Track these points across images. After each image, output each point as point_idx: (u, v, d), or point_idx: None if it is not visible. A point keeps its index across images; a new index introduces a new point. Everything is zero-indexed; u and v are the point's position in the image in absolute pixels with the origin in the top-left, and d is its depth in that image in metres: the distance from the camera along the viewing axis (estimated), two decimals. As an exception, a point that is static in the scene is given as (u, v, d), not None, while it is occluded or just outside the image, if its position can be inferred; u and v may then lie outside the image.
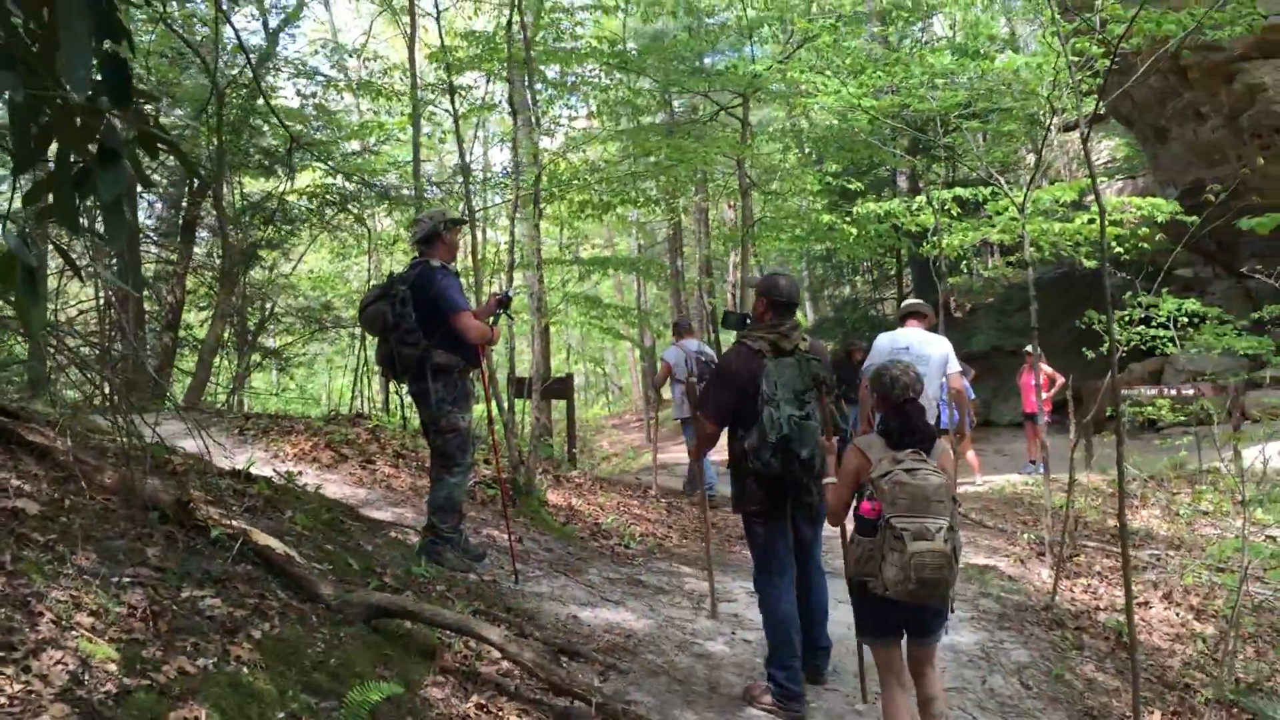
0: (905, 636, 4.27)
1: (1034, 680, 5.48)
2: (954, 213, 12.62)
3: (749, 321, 5.33)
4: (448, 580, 5.53)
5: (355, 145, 19.28)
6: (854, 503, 4.33)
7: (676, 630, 5.78)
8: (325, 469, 7.59)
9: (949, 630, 6.25)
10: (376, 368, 6.47)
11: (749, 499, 4.99)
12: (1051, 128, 12.07)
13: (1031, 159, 28.75)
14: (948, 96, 10.72)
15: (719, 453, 5.95)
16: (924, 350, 7.57)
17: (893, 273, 27.08)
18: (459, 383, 6.01)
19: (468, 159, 12.02)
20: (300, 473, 6.81)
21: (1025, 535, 9.37)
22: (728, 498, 10.48)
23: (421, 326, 5.88)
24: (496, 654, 4.59)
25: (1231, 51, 17.29)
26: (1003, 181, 9.16)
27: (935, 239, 11.75)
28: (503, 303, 6.30)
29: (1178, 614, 8.08)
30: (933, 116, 12.29)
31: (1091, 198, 17.77)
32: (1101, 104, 14.95)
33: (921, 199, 12.55)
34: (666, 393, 12.42)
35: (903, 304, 8.35)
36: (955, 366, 7.81)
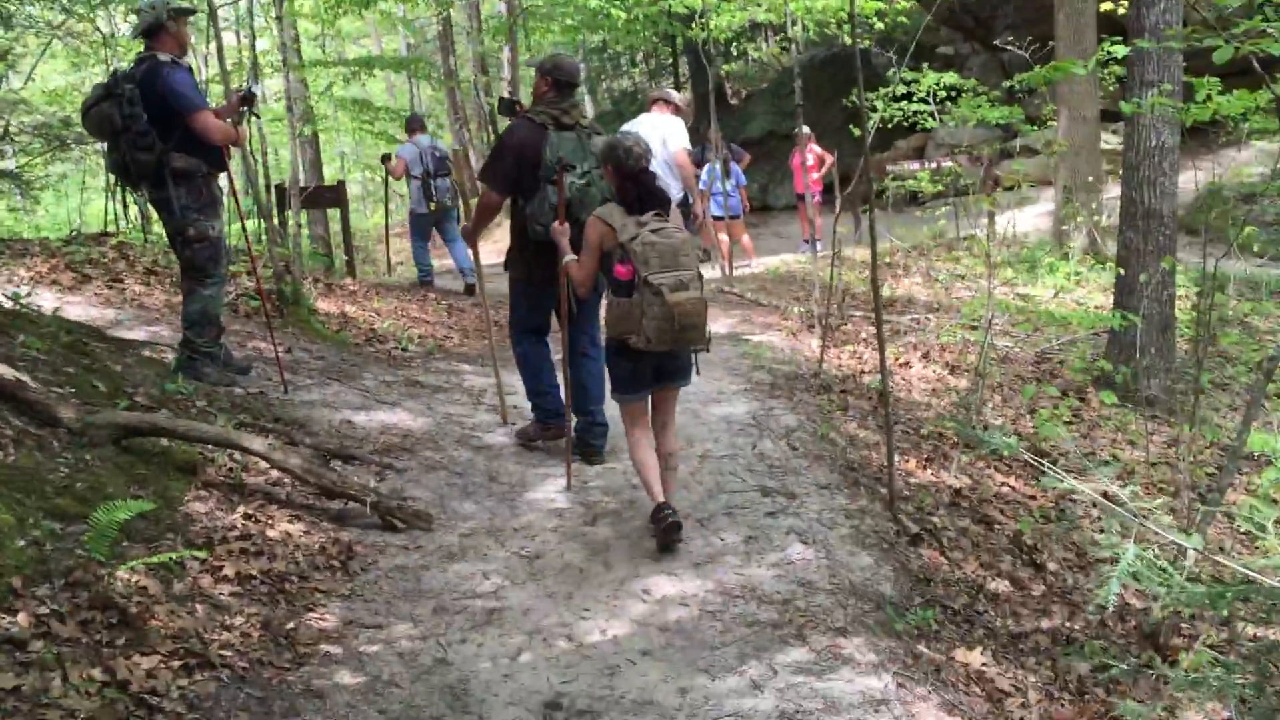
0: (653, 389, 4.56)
1: (801, 442, 5.74)
2: (723, -8, 12.43)
3: (517, 106, 5.44)
4: (208, 395, 5.29)
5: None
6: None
7: (455, 426, 5.76)
8: (67, 291, 7.04)
9: (724, 402, 6.50)
10: (111, 176, 5.96)
11: (525, 263, 5.22)
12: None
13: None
14: None
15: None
16: (650, 131, 7.72)
17: (669, 62, 26.81)
18: (204, 188, 5.61)
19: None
20: (32, 294, 6.31)
21: (797, 309, 9.71)
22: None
23: (155, 128, 5.41)
24: (264, 465, 4.46)
25: None
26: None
27: (703, 20, 11.58)
28: (246, 100, 5.85)
29: (934, 371, 8.62)
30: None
31: (856, -25, 17.88)
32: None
33: (689, -21, 12.29)
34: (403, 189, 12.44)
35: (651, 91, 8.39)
36: (680, 143, 7.93)
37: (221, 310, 5.85)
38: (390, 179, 12.48)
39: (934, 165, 15.92)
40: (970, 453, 6.42)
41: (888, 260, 13.21)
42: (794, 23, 9.58)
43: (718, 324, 9.43)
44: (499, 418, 5.98)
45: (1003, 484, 6.28)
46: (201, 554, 3.54)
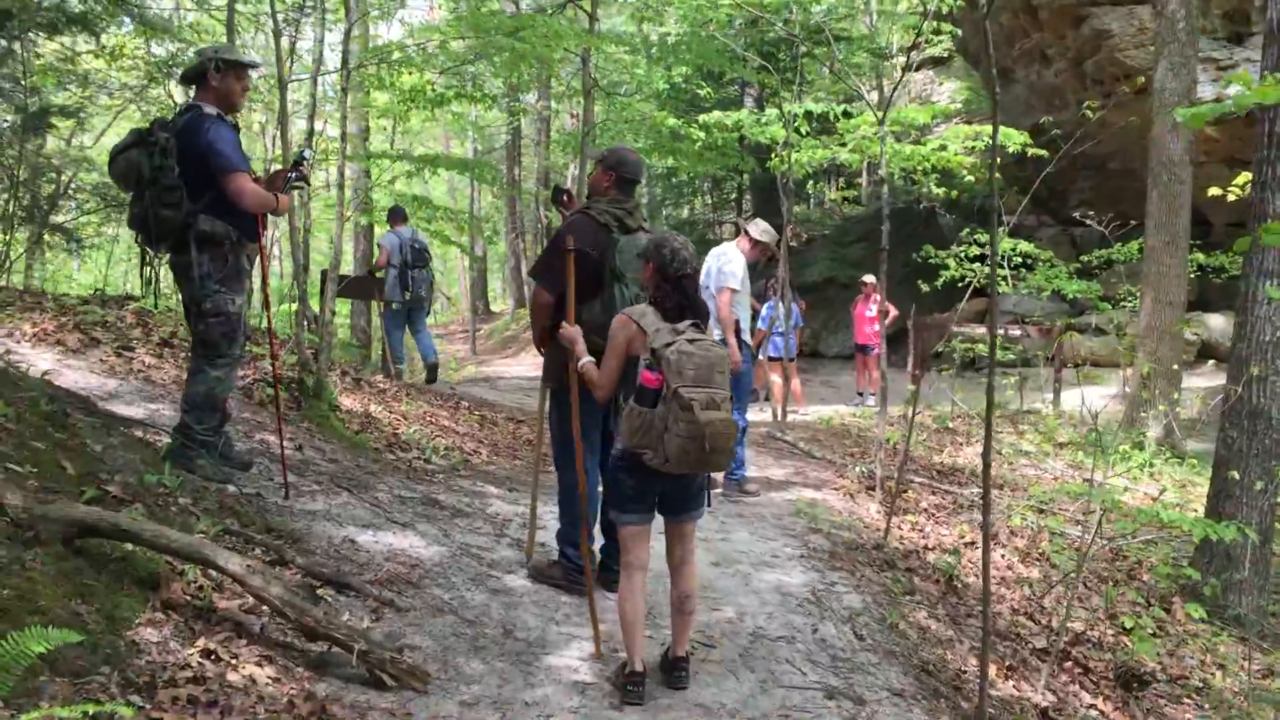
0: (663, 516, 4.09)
1: (867, 630, 4.93)
2: (803, 130, 12.00)
3: (565, 198, 5.13)
4: (195, 492, 4.58)
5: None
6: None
7: (472, 560, 4.99)
8: (70, 353, 6.41)
9: (778, 568, 5.69)
10: (131, 233, 5.35)
11: (567, 375, 4.55)
12: (901, 57, 11.55)
13: (874, 96, 28.67)
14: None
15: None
16: (711, 260, 7.37)
17: (733, 196, 26.62)
18: (230, 257, 4.99)
19: (283, 28, 10.66)
20: (24, 353, 5.68)
21: (857, 469, 8.91)
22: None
23: (186, 185, 4.84)
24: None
25: (1084, -4, 17.29)
26: (864, 91, 8.50)
27: (785, 154, 11.11)
28: (298, 165, 5.28)
29: (1003, 555, 7.79)
30: (785, 37, 11.67)
31: (936, 130, 17.51)
32: (954, 36, 14.59)
33: (772, 111, 11.86)
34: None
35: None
36: (728, 280, 7.24)
37: (229, 395, 5.18)
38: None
39: (1002, 332, 15.25)
40: (1054, 662, 5.56)
41: (948, 424, 12.43)
42: (881, 166, 9.05)
43: (770, 472, 8.69)
44: (523, 556, 5.20)
45: (1091, 706, 5.40)
46: (127, 711, 2.75)
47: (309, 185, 5.65)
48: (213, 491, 4.72)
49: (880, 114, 7.53)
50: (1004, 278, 14.55)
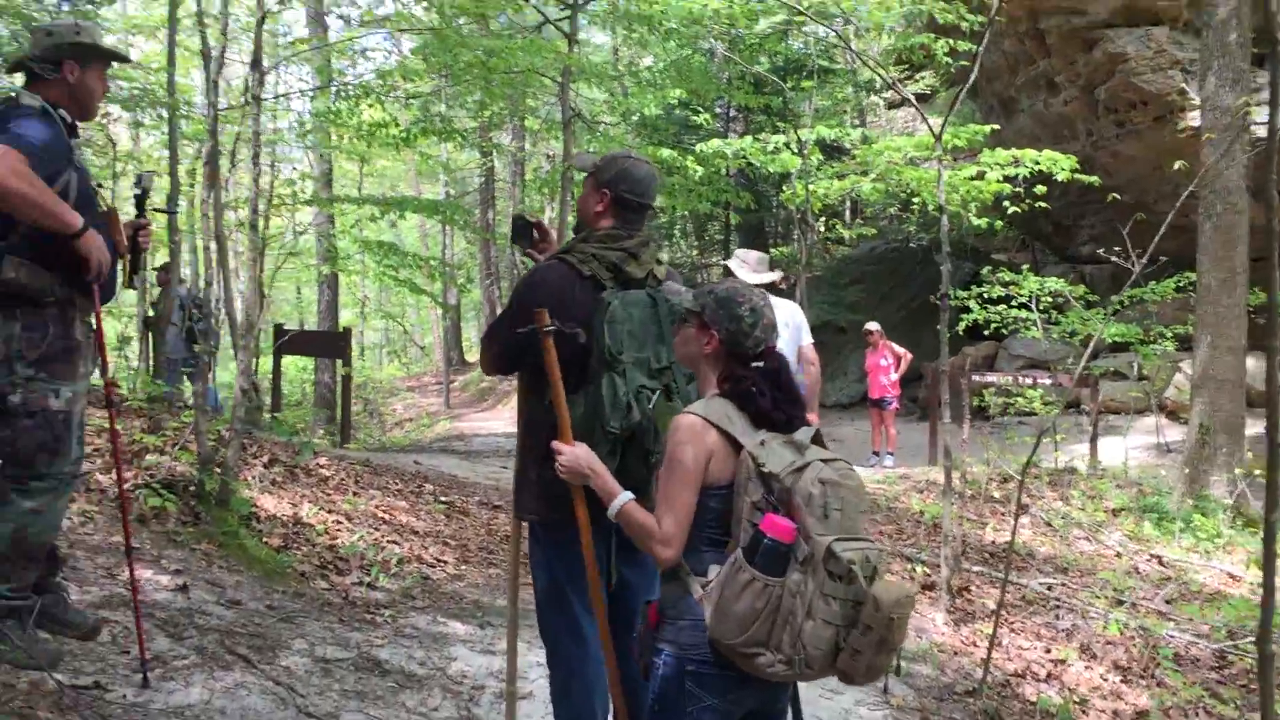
0: None
1: None
2: (815, 158, 10.51)
3: (535, 233, 3.34)
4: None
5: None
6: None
7: (423, 777, 3.31)
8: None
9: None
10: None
11: (551, 501, 2.86)
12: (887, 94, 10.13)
13: (857, 134, 27.36)
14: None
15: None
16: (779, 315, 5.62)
17: (720, 237, 25.17)
18: (52, 326, 3.32)
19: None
20: None
21: (916, 567, 7.29)
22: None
23: None
24: None
25: (1094, 17, 16.07)
26: (914, 100, 6.97)
27: (803, 181, 9.60)
28: (140, 197, 3.64)
29: (1102, 675, 6.21)
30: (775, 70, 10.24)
31: (956, 160, 16.13)
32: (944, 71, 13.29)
33: (779, 138, 10.34)
34: None
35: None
36: (809, 337, 5.90)
37: (53, 533, 3.47)
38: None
39: (1031, 381, 13.71)
40: None
41: (994, 492, 10.83)
42: (940, 194, 7.52)
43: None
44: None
45: None
46: None
47: (173, 213, 4.01)
48: (18, 689, 3.05)
49: (937, 133, 6.00)
50: (1033, 320, 13.13)
